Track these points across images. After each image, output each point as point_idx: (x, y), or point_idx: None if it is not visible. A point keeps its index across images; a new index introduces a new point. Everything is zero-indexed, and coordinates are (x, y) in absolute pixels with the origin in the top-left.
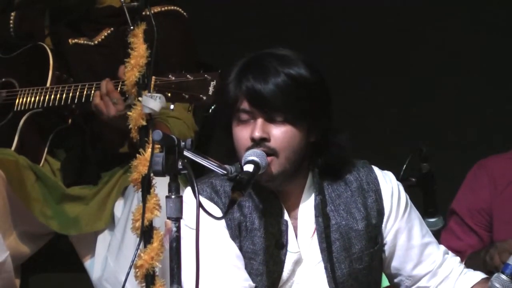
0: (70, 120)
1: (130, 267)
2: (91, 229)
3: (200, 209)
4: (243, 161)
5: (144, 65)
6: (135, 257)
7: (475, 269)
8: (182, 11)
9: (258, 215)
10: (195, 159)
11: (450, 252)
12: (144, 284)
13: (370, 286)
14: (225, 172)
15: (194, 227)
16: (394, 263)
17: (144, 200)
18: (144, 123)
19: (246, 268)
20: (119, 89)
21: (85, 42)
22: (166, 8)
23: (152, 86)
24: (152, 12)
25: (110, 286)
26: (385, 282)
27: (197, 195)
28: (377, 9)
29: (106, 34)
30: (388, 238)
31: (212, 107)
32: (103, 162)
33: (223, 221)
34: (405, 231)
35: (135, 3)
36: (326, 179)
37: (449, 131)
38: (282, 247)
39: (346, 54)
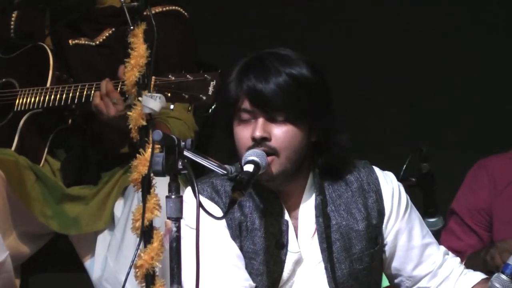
0: (70, 120)
1: (130, 267)
2: (91, 229)
3: (201, 209)
4: (243, 161)
5: (144, 65)
6: (135, 257)
7: (475, 269)
8: (183, 11)
9: (259, 215)
10: (195, 159)
11: (450, 253)
12: (144, 284)
13: (370, 287)
14: (225, 172)
15: (195, 227)
16: (395, 264)
17: (144, 200)
18: (144, 123)
19: (246, 268)
20: (119, 89)
21: (86, 42)
22: (166, 8)
23: (152, 86)
24: (153, 12)
25: (110, 286)
26: (385, 282)
27: (197, 195)
28: (377, 9)
29: (107, 34)
30: (388, 238)
31: (212, 107)
32: (103, 162)
33: (223, 221)
34: (406, 232)
35: (135, 3)
36: (327, 179)
37: (449, 131)
38: (283, 247)
39: (346, 54)
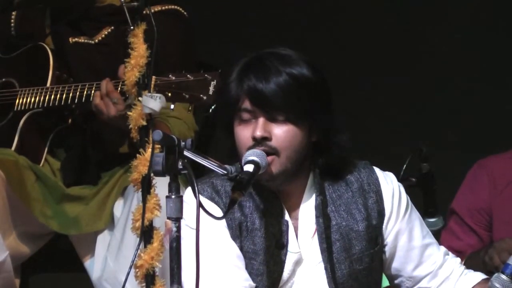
0: (70, 120)
1: (130, 267)
2: (91, 229)
3: (201, 209)
4: (243, 161)
5: (144, 65)
6: (135, 257)
7: (475, 269)
8: (182, 11)
9: (259, 215)
10: (195, 159)
11: (450, 253)
12: (144, 284)
13: (370, 287)
14: (225, 172)
15: (195, 227)
16: (395, 264)
17: (144, 200)
18: (144, 123)
19: (246, 268)
20: (119, 89)
21: (86, 41)
22: (166, 7)
23: (152, 86)
24: (152, 11)
25: (110, 286)
26: (385, 282)
27: (197, 195)
28: (378, 9)
29: (106, 32)
30: (388, 239)
31: (212, 107)
32: (103, 162)
33: (223, 221)
34: (406, 232)
35: (135, 3)
36: (327, 179)
37: (449, 131)
38: (283, 247)
39: (346, 54)
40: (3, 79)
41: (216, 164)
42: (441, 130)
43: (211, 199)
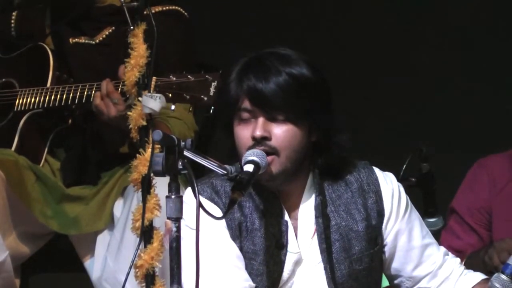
0: (70, 120)
1: (130, 267)
2: (91, 229)
3: (200, 209)
4: (243, 161)
5: (144, 65)
6: (135, 257)
7: (475, 269)
8: (183, 11)
9: (259, 215)
10: (195, 159)
11: (450, 253)
12: (144, 284)
13: (370, 287)
14: (225, 172)
15: (194, 228)
16: (395, 264)
17: (144, 200)
18: (144, 123)
19: (246, 268)
20: (119, 89)
21: (86, 41)
22: (166, 7)
23: (153, 86)
24: (153, 11)
25: (110, 286)
26: (385, 282)
27: (197, 195)
28: (378, 9)
29: (107, 33)
30: (388, 239)
31: (213, 108)
32: (103, 162)
33: (223, 222)
34: (406, 232)
35: (135, 3)
36: (327, 179)
37: (449, 131)
38: (282, 248)
39: (346, 54)
40: (3, 79)
41: (216, 164)
42: (441, 130)
43: (211, 199)
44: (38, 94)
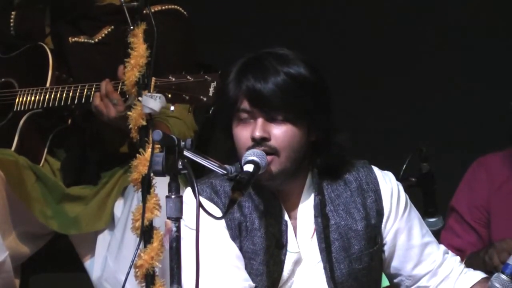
0: (70, 120)
1: (130, 267)
2: (91, 229)
3: (200, 209)
4: (243, 161)
5: (144, 65)
6: (135, 257)
7: (475, 269)
8: (182, 10)
9: (258, 215)
10: (195, 159)
11: (450, 252)
12: (144, 284)
13: (369, 286)
14: (225, 172)
15: (194, 228)
16: (394, 263)
17: (144, 200)
18: (144, 123)
19: (246, 268)
20: (119, 90)
21: (85, 40)
22: (166, 7)
23: (152, 87)
24: (152, 11)
25: (110, 286)
26: (385, 282)
27: (197, 195)
28: (378, 9)
29: (106, 32)
30: (387, 238)
31: (212, 108)
32: (103, 162)
33: (223, 222)
34: (405, 231)
35: (135, 3)
36: (326, 179)
37: (449, 131)
38: (282, 247)
39: (346, 54)
40: (3, 79)
41: (216, 164)
42: (441, 130)
43: (210, 199)
44: (38, 94)
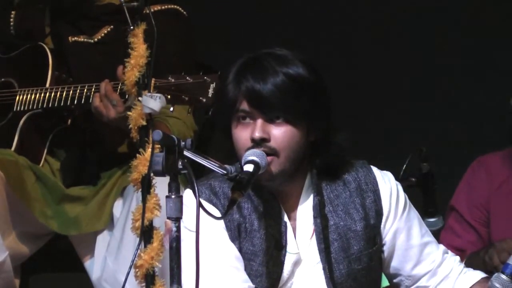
0: (69, 121)
1: (130, 267)
2: (91, 229)
3: (200, 209)
4: (243, 161)
5: (144, 65)
6: (135, 257)
7: (475, 269)
8: (182, 10)
9: (257, 216)
10: (195, 159)
11: (449, 252)
12: (144, 284)
13: (369, 286)
14: (225, 172)
15: (193, 229)
16: (394, 263)
17: (144, 200)
18: (144, 123)
19: (245, 269)
20: (118, 90)
21: (85, 40)
22: (165, 6)
23: (152, 88)
24: (152, 10)
25: (110, 286)
26: (385, 282)
27: (197, 194)
28: (378, 9)
29: (106, 31)
30: (387, 238)
31: (212, 109)
32: (102, 162)
33: (222, 223)
34: (404, 231)
35: (135, 3)
36: (325, 179)
37: (449, 131)
38: (282, 248)
39: (346, 54)
40: (3, 79)
41: (216, 164)
42: (441, 129)
43: (209, 201)
44: (38, 93)
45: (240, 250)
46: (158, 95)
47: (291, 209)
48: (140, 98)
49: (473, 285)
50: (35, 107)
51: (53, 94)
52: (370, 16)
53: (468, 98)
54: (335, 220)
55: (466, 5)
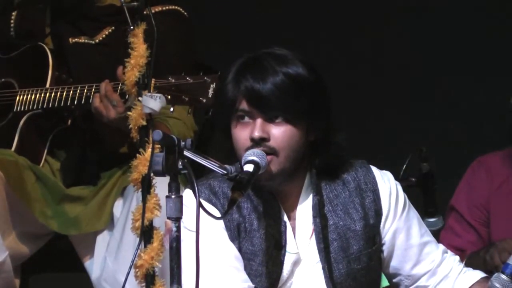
0: (69, 121)
1: (130, 267)
2: (91, 229)
3: (200, 209)
4: (243, 161)
5: (144, 65)
6: (135, 257)
7: (475, 268)
8: (182, 11)
9: (257, 216)
10: (195, 159)
11: (449, 251)
12: (144, 284)
13: (368, 286)
14: (225, 172)
15: (193, 229)
16: (393, 263)
17: (144, 200)
18: (144, 123)
19: (245, 269)
20: (118, 91)
21: (86, 41)
22: (166, 7)
23: (152, 88)
24: (152, 11)
25: (109, 286)
26: (385, 282)
27: (197, 194)
28: (378, 9)
29: (107, 32)
30: (386, 238)
31: (212, 109)
32: (102, 162)
33: (222, 223)
34: (404, 231)
35: (135, 3)
36: (324, 179)
37: (449, 130)
38: (281, 248)
39: (346, 54)
40: (2, 80)
41: (216, 164)
42: (441, 129)
43: (209, 200)
44: (38, 94)
45: (239, 250)
46: (158, 95)
47: (291, 209)
48: (140, 98)
49: (472, 285)
50: (35, 107)
51: (53, 94)
52: (370, 16)
53: (468, 98)
54: (335, 220)
55: (466, 5)
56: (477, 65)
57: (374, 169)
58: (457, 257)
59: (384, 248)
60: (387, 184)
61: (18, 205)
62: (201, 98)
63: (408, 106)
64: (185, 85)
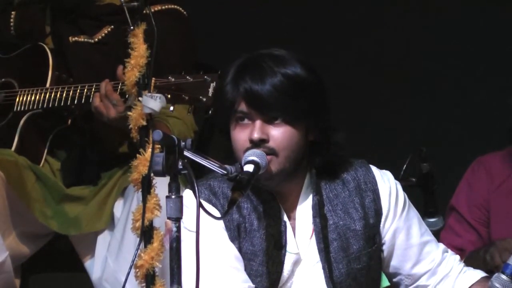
0: (70, 121)
1: (130, 267)
2: (91, 229)
3: (200, 209)
4: (243, 161)
5: (144, 65)
6: (135, 257)
7: (475, 268)
8: (182, 10)
9: (257, 216)
10: (195, 159)
11: (449, 250)
12: (144, 284)
13: (368, 286)
14: (225, 172)
15: (193, 230)
16: (393, 262)
17: (144, 200)
18: (144, 123)
19: (245, 269)
20: (118, 90)
21: (85, 40)
22: (166, 7)
23: (152, 87)
24: (152, 10)
25: (110, 286)
26: (385, 282)
27: (197, 194)
28: (377, 9)
29: (106, 31)
30: (386, 237)
31: (212, 109)
32: (103, 162)
33: (222, 223)
34: (404, 230)
35: (135, 3)
36: (324, 179)
37: (449, 130)
38: (281, 248)
39: (346, 54)
40: (3, 80)
41: (216, 164)
42: (441, 129)
43: (209, 201)
44: (38, 94)
45: (240, 250)
46: (158, 95)
47: (291, 209)
48: (140, 98)
49: (473, 285)
50: (35, 107)
51: (53, 94)
52: (370, 16)
53: (468, 98)
54: (335, 220)
55: (466, 5)
56: (477, 65)
57: (374, 168)
58: (458, 257)
59: (384, 247)
60: (387, 183)
61: (18, 205)
62: (201, 97)
63: (408, 106)
64: (185, 84)
